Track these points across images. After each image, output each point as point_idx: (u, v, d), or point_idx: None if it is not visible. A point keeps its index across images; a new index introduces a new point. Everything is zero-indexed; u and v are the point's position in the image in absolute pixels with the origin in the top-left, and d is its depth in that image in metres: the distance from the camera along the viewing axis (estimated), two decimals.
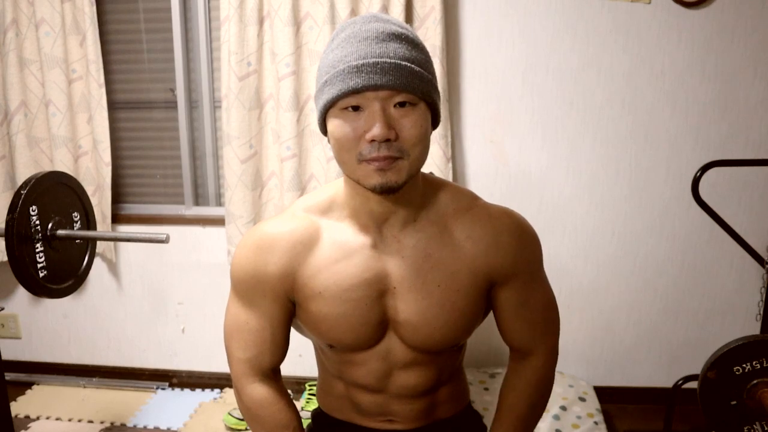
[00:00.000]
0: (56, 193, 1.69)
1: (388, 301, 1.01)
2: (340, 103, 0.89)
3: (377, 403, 1.10)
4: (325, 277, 0.99)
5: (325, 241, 1.00)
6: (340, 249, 0.99)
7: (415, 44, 0.92)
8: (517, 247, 1.01)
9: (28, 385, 2.66)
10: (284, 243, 1.00)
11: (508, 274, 1.02)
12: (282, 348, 1.07)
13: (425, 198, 1.01)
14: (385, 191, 0.91)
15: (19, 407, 2.48)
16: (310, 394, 2.40)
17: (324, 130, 0.95)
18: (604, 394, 2.38)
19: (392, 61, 0.87)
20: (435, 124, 0.96)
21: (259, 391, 1.05)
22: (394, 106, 0.88)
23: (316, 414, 1.24)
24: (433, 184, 1.04)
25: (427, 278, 0.99)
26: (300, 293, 1.01)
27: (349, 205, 1.00)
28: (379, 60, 0.86)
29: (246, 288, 1.03)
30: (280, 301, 1.03)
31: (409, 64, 0.88)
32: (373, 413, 1.12)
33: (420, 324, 1.00)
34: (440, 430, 1.15)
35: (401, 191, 0.93)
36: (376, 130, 0.86)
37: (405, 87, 0.87)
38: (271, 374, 1.08)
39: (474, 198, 1.05)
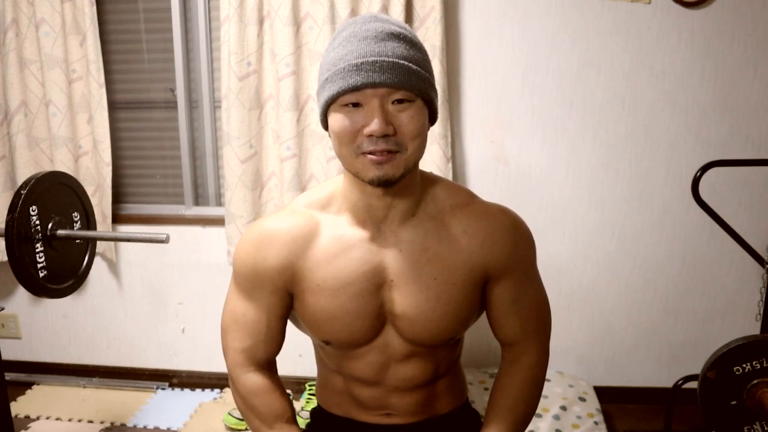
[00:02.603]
0: (56, 193, 1.69)
1: (385, 294, 1.03)
2: (341, 99, 0.92)
3: (375, 396, 1.11)
4: (323, 270, 1.01)
5: (324, 236, 1.03)
6: (338, 243, 1.02)
7: (413, 44, 0.94)
8: (511, 243, 1.04)
9: (28, 385, 2.66)
10: (284, 237, 1.03)
11: (503, 270, 1.05)
12: (277, 340, 1.09)
13: (423, 193, 1.04)
14: (383, 184, 0.93)
15: (19, 407, 2.48)
16: (310, 394, 2.40)
17: (326, 127, 0.98)
18: (604, 394, 2.38)
19: (390, 59, 0.90)
20: (432, 120, 0.99)
21: (254, 380, 1.07)
22: (392, 102, 0.91)
23: (315, 411, 1.25)
24: (431, 181, 1.07)
25: (424, 271, 1.01)
26: (299, 286, 1.04)
27: (348, 199, 1.03)
28: (378, 58, 0.89)
29: (246, 280, 1.06)
30: (279, 294, 1.05)
31: (406, 63, 0.91)
32: (372, 407, 1.13)
33: (417, 316, 1.02)
34: (438, 425, 1.16)
35: (399, 185, 0.96)
36: (375, 126, 0.89)
37: (403, 85, 0.90)
38: (266, 365, 1.10)
39: (471, 195, 1.08)
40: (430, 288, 1.01)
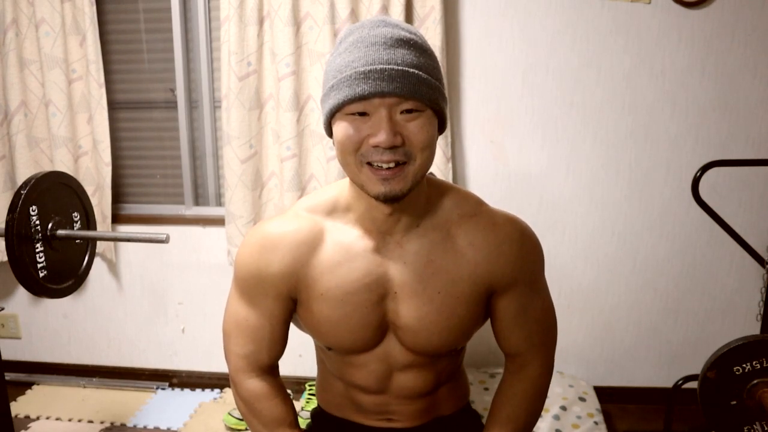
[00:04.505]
0: (56, 193, 1.69)
1: (388, 305, 1.01)
2: (347, 108, 0.89)
3: (377, 403, 1.11)
4: (327, 279, 1.00)
5: (328, 243, 1.01)
6: (343, 251, 1.00)
7: (423, 50, 0.91)
8: (518, 255, 1.02)
9: (28, 385, 2.66)
10: (288, 242, 1.01)
11: (509, 283, 1.02)
12: (280, 345, 1.08)
13: (429, 203, 1.02)
14: (389, 200, 0.91)
15: (19, 407, 2.48)
16: (310, 394, 2.40)
17: (330, 133, 0.96)
18: (604, 394, 2.38)
19: (399, 68, 0.87)
20: (441, 129, 0.96)
21: (256, 386, 1.06)
22: (401, 112, 0.88)
23: (316, 412, 1.24)
24: (439, 189, 1.04)
25: (428, 284, 0.99)
26: (303, 293, 1.02)
27: (353, 208, 1.01)
28: (387, 66, 0.86)
29: (248, 286, 1.04)
30: (282, 299, 1.03)
31: (416, 71, 0.88)
32: (373, 412, 1.12)
33: (419, 329, 1.01)
34: (440, 427, 1.16)
35: (406, 198, 0.93)
36: (382, 137, 0.86)
37: (412, 94, 0.87)
38: (269, 370, 1.09)
39: (479, 204, 1.05)
40: (433, 301, 0.99)
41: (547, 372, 1.11)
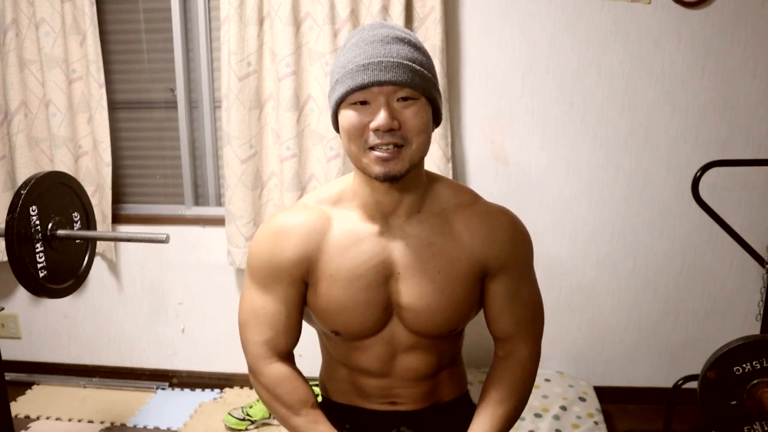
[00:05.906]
0: (56, 193, 1.69)
1: (392, 286, 1.08)
2: (349, 98, 0.98)
3: (381, 386, 1.16)
4: (337, 261, 1.07)
5: (336, 229, 1.08)
6: (350, 236, 1.07)
7: (417, 47, 1.01)
8: (510, 242, 1.10)
9: (28, 385, 2.66)
10: (299, 230, 1.08)
11: (501, 267, 1.10)
12: (296, 331, 1.13)
13: (428, 191, 1.10)
14: (389, 179, 0.99)
15: (19, 407, 2.48)
16: None
17: (337, 127, 1.04)
18: (604, 394, 2.38)
19: (395, 60, 0.96)
20: (437, 121, 1.05)
21: (278, 370, 1.11)
22: (397, 100, 0.97)
23: (320, 404, 1.27)
24: (437, 181, 1.13)
25: (429, 264, 1.07)
26: (313, 276, 1.09)
27: (358, 195, 1.08)
28: (384, 59, 0.96)
29: (263, 274, 1.10)
30: (296, 285, 1.09)
31: (410, 63, 0.97)
32: (377, 396, 1.18)
33: (421, 308, 1.07)
34: (440, 412, 1.21)
35: (405, 181, 1.02)
36: (380, 120, 0.95)
37: (406, 83, 0.96)
38: (286, 356, 1.14)
39: (475, 196, 1.14)
40: (434, 281, 1.07)
41: (535, 357, 1.17)
